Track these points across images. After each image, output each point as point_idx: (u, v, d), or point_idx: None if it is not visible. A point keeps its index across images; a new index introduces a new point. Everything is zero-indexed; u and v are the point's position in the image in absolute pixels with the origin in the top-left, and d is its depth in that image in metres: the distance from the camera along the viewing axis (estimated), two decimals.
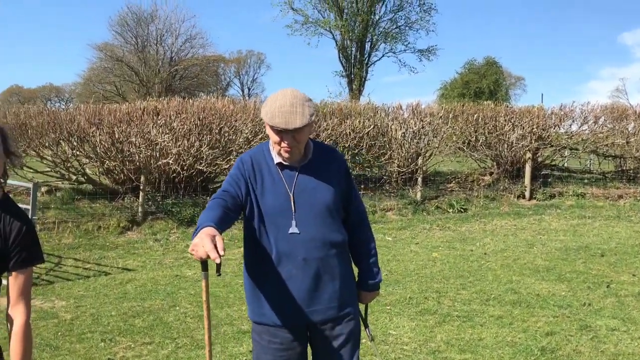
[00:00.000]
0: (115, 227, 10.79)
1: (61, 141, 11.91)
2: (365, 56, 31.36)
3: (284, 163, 2.66)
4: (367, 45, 31.09)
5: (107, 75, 46.40)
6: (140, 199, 11.26)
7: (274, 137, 2.56)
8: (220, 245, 2.20)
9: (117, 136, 11.42)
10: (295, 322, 2.67)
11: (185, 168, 11.74)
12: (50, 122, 11.80)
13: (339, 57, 30.96)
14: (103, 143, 11.44)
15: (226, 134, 12.07)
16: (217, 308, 6.39)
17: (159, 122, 11.80)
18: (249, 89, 68.09)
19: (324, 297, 2.67)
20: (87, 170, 12.24)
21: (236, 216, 2.60)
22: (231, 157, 11.98)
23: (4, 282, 2.31)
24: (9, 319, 2.27)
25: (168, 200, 11.61)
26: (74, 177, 12.07)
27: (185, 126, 11.73)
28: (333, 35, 30.81)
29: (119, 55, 44.55)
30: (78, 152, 11.95)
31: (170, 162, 11.42)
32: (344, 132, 12.94)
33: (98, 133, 11.40)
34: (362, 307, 2.97)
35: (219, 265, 2.22)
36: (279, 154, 2.63)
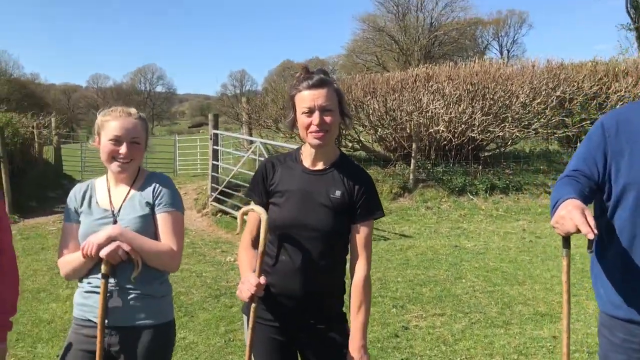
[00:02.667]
0: (388, 193, 11.05)
1: None
2: None
3: None
4: None
5: (369, 45, 48.28)
6: (412, 166, 11.31)
7: None
8: (591, 220, 1.85)
9: (389, 104, 11.60)
10: None
11: (456, 135, 11.43)
12: None
13: (627, 7, 27.03)
14: (376, 111, 11.74)
15: (500, 99, 11.38)
16: (506, 285, 6.02)
17: (430, 88, 11.65)
18: (508, 51, 64.66)
19: None
20: (362, 138, 12.74)
21: (590, 199, 2.16)
22: (505, 123, 11.30)
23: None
24: (351, 270, 2.30)
25: (438, 168, 11.47)
26: (349, 145, 12.68)
27: (457, 92, 11.37)
28: None
29: (380, 26, 45.96)
30: (354, 121, 12.49)
31: (442, 129, 11.22)
32: None
33: (372, 102, 11.73)
34: None
35: (591, 242, 1.87)
36: None
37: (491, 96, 11.34)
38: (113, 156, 2.31)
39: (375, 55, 48.09)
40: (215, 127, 11.51)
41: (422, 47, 43.22)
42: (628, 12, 27.57)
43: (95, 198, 2.40)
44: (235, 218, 10.10)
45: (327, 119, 2.20)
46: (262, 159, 9.94)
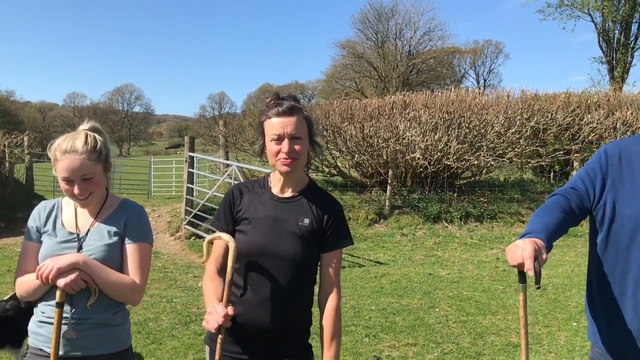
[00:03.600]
0: (363, 219, 11.03)
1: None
2: (631, 39, 27.65)
3: None
4: (634, 27, 27.38)
5: (348, 71, 48.75)
6: (388, 193, 11.34)
7: None
8: (543, 256, 1.84)
9: (366, 131, 11.65)
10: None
11: (432, 163, 11.51)
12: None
13: (599, 42, 27.68)
14: (354, 137, 11.78)
15: (476, 128, 11.52)
16: (479, 315, 5.99)
17: (407, 116, 11.75)
18: (484, 80, 65.98)
19: None
20: (338, 163, 12.75)
21: (576, 221, 2.14)
22: (480, 152, 11.42)
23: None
24: (320, 300, 2.26)
25: (414, 195, 11.52)
26: (326, 170, 12.67)
27: (434, 120, 11.49)
28: (592, 17, 27.74)
29: (359, 52, 46.48)
30: (331, 146, 12.51)
31: (418, 156, 11.29)
32: (612, 126, 11.41)
33: (350, 128, 11.77)
34: None
35: (537, 277, 1.84)
36: None
37: (467, 125, 11.47)
38: (71, 194, 2.23)
39: (354, 81, 48.54)
40: (191, 149, 11.42)
41: (400, 75, 43.76)
42: (600, 46, 28.39)
43: (61, 219, 2.31)
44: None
45: (297, 147, 2.17)
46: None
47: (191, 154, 11.30)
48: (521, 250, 1.86)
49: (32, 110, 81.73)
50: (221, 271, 2.29)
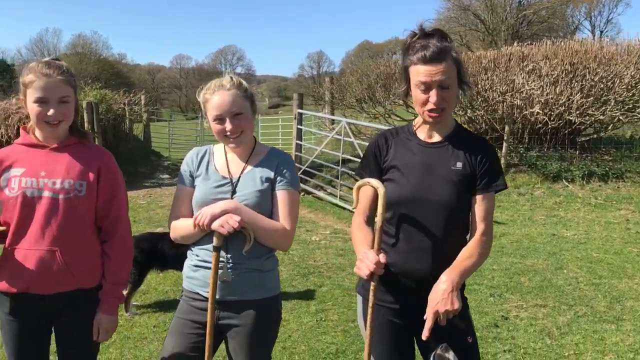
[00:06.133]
0: None
1: None
2: None
3: None
4: None
5: (452, 25, 46.67)
6: (504, 150, 10.78)
7: None
8: None
9: (481, 85, 11.10)
10: None
11: (552, 118, 10.80)
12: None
13: None
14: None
15: (602, 81, 10.62)
16: (613, 278, 5.59)
17: (525, 68, 11.04)
18: (601, 32, 60.94)
19: None
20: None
21: None
22: (607, 106, 10.55)
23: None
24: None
25: (532, 153, 10.90)
26: None
27: (555, 72, 10.71)
28: None
29: (465, 4, 44.36)
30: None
31: (537, 111, 10.62)
32: None
33: None
34: None
35: None
36: None
37: (592, 77, 10.61)
38: (224, 134, 2.22)
39: (458, 34, 46.44)
40: (300, 106, 11.45)
41: (509, 27, 41.35)
42: None
43: (213, 163, 2.32)
44: (318, 198, 10.05)
45: (446, 95, 2.01)
46: (347, 139, 9.79)
47: (300, 110, 11.33)
48: None
49: (142, 72, 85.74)
50: (370, 220, 2.20)
